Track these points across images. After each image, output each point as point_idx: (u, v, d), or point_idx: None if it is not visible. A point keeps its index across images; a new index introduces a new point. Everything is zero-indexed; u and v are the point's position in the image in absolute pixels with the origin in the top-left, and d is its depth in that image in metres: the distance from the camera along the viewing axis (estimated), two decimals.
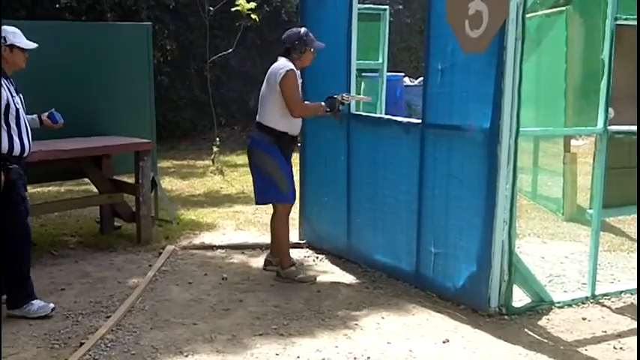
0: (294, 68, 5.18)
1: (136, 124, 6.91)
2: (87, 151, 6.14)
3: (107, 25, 8.97)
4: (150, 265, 5.76)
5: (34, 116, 5.16)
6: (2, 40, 4.51)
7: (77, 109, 5.71)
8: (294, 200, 5.43)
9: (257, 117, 5.34)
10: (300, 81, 5.28)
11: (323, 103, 5.30)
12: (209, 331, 4.43)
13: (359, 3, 5.68)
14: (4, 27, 4.57)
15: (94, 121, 6.58)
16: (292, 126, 5.26)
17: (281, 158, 5.24)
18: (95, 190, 6.81)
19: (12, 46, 4.57)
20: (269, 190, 5.28)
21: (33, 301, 4.65)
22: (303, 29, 5.29)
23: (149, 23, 7.73)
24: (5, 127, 4.46)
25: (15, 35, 4.60)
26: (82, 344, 4.17)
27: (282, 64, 5.19)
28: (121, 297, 5.01)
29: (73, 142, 6.08)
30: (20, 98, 4.69)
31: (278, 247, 5.45)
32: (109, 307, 4.82)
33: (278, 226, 5.40)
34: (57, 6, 11.79)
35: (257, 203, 5.51)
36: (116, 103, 6.84)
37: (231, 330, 4.45)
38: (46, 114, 5.25)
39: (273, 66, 5.26)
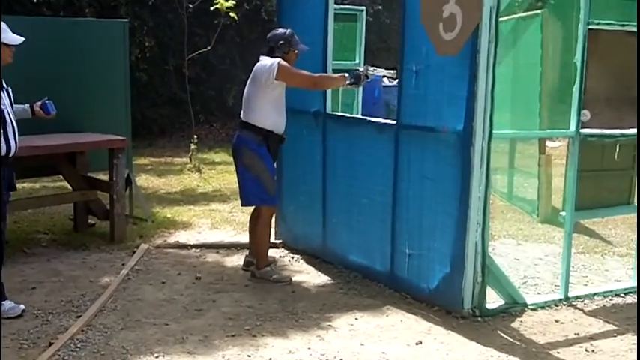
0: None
1: (111, 121, 6.85)
2: (60, 148, 6.09)
3: (83, 21, 8.87)
4: (123, 264, 5.72)
5: (26, 106, 5.04)
6: None
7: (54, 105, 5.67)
8: (278, 202, 5.43)
9: (242, 116, 5.29)
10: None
11: (346, 74, 5.23)
12: (181, 331, 4.40)
13: (336, 3, 5.68)
14: None
15: (69, 118, 6.49)
16: (278, 124, 5.23)
17: (269, 160, 5.23)
18: (70, 187, 6.75)
19: None
20: (256, 192, 5.25)
21: (4, 302, 4.58)
22: (288, 30, 5.27)
23: (126, 20, 7.69)
24: None
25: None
26: (51, 344, 4.13)
27: (268, 61, 5.16)
28: (93, 296, 4.96)
29: (46, 138, 6.01)
30: (8, 93, 4.62)
31: (257, 247, 5.43)
32: (80, 307, 4.78)
33: (261, 227, 5.37)
34: (35, 1, 11.66)
35: (243, 205, 5.47)
36: (92, 100, 6.78)
37: (203, 331, 4.42)
38: (39, 104, 5.10)
39: (258, 64, 5.22)
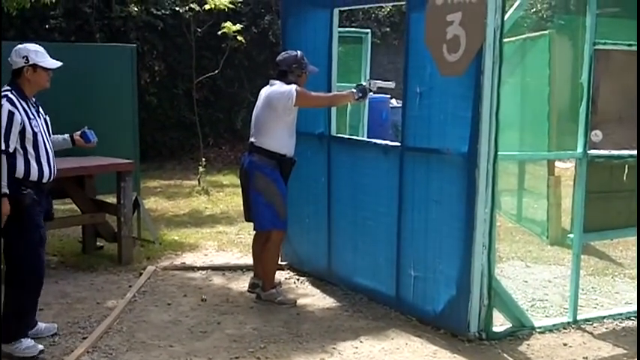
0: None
1: (120, 145, 6.87)
2: (68, 172, 6.09)
3: (93, 47, 8.97)
4: (130, 286, 5.72)
5: (66, 136, 4.97)
6: (24, 60, 4.37)
7: (61, 129, 5.67)
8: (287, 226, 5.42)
9: (253, 140, 5.28)
10: None
11: (354, 90, 5.33)
12: (185, 353, 4.39)
13: (343, 26, 5.71)
14: (26, 45, 4.45)
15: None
16: (291, 148, 5.26)
17: (282, 184, 5.24)
18: (78, 210, 6.77)
19: (35, 66, 4.40)
20: (269, 216, 5.24)
21: (22, 339, 4.36)
22: (299, 52, 5.30)
23: (134, 45, 7.75)
24: (22, 152, 4.28)
25: (37, 54, 4.43)
26: None
27: (283, 87, 5.16)
28: (99, 318, 4.97)
29: (55, 162, 6.03)
30: (45, 120, 4.55)
31: (265, 270, 5.41)
32: (86, 328, 4.79)
33: (270, 251, 5.35)
34: (46, 26, 11.80)
35: (256, 229, 5.44)
36: (100, 124, 6.75)
37: (207, 353, 4.41)
38: (79, 133, 5.03)
39: (272, 90, 5.21)
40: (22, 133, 4.27)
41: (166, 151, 13.21)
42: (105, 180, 6.63)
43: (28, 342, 4.38)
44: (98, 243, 6.90)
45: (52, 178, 4.52)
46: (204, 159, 10.48)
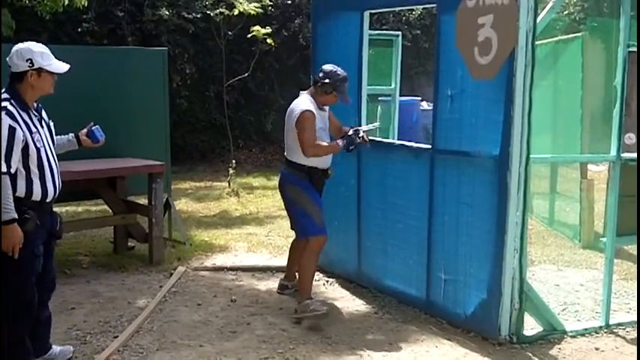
0: (310, 108, 5.04)
1: (151, 147, 6.94)
2: (100, 173, 6.20)
3: (124, 50, 9.07)
4: (160, 286, 5.77)
5: (70, 136, 4.45)
6: (28, 63, 3.88)
7: None
8: (326, 232, 5.26)
9: (285, 152, 5.31)
10: (326, 113, 5.25)
11: (340, 142, 5.12)
12: (215, 353, 4.43)
13: (373, 29, 5.70)
14: (29, 46, 3.95)
15: (110, 144, 6.55)
16: (320, 160, 5.19)
17: (313, 191, 5.20)
18: (110, 210, 6.85)
19: (40, 70, 3.91)
20: (306, 224, 5.22)
21: (54, 347, 4.24)
22: (344, 74, 5.11)
23: (165, 48, 7.81)
24: (24, 172, 3.82)
25: (43, 56, 3.93)
26: None
27: (300, 103, 5.13)
28: (130, 317, 5.03)
29: (87, 163, 6.11)
30: (49, 128, 4.10)
31: (301, 278, 5.30)
32: (117, 327, 4.85)
33: (306, 258, 5.22)
34: (79, 30, 11.96)
35: (298, 237, 5.44)
36: (133, 126, 6.88)
37: (237, 353, 4.43)
38: (85, 131, 4.47)
39: (293, 104, 5.21)
40: (25, 151, 3.82)
41: (197, 154, 13.31)
42: (136, 181, 6.71)
43: (57, 348, 4.27)
44: (129, 243, 6.96)
45: (56, 195, 4.06)
46: (234, 161, 10.54)
